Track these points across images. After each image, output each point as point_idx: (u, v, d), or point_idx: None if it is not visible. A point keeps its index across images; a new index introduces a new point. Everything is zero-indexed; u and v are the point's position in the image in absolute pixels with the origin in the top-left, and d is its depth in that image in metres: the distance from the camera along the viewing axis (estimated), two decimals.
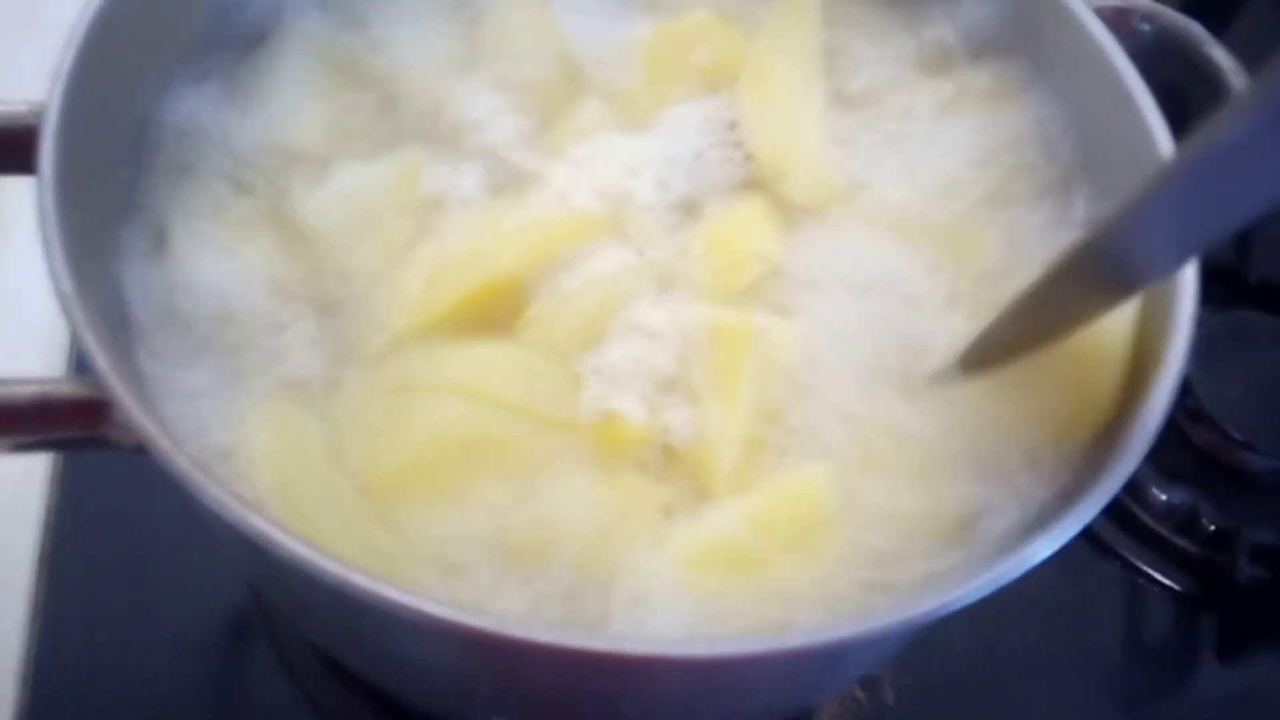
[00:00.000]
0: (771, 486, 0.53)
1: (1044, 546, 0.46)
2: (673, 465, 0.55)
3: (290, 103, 0.63)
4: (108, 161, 0.57)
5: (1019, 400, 0.55)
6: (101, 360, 0.44)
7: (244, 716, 0.73)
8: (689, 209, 0.63)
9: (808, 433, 0.55)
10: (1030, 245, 0.62)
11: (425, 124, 0.64)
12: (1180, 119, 0.63)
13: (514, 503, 0.52)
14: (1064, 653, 0.80)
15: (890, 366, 0.57)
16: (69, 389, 0.49)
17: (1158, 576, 0.84)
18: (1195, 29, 0.67)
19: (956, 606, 0.43)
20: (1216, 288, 0.92)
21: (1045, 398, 0.55)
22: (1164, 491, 0.84)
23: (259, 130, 0.62)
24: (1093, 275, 0.49)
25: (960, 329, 0.58)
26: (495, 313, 0.58)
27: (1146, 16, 0.69)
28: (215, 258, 0.58)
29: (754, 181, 0.64)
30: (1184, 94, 0.69)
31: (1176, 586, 0.83)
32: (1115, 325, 0.55)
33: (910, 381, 0.56)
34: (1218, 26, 0.72)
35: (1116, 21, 0.66)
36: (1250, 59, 0.68)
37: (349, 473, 0.52)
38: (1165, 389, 0.51)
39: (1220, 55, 0.66)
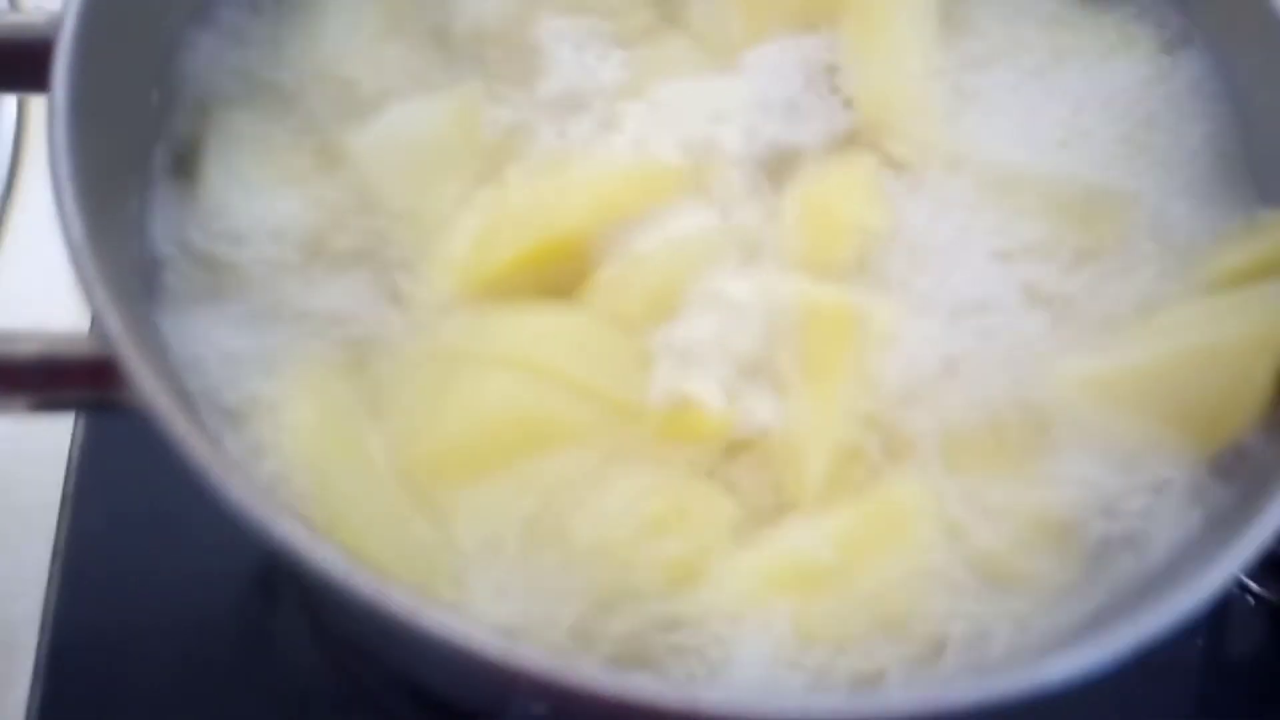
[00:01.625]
0: (864, 502, 0.47)
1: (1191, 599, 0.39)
2: (752, 466, 0.48)
3: (342, 25, 0.57)
4: (133, 85, 0.51)
5: (1152, 403, 0.48)
6: (112, 321, 0.39)
7: (269, 675, 0.69)
8: (781, 163, 0.56)
9: (910, 438, 0.48)
10: (1166, 221, 0.55)
11: (491, 55, 0.58)
12: None
13: (567, 501, 0.46)
14: (1137, 669, 0.74)
15: (1008, 361, 0.50)
16: (77, 347, 0.44)
17: (1254, 587, 0.77)
18: None
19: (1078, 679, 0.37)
20: None
21: (1191, 398, 0.48)
22: None
23: (307, 54, 0.56)
24: None
25: (1086, 313, 0.51)
26: (558, 274, 0.51)
27: None
28: (252, 198, 0.52)
29: (854, 134, 0.57)
30: None
31: (1272, 598, 0.77)
32: (1268, 324, 0.48)
33: (1035, 377, 0.49)
34: None
35: None
36: None
37: (388, 449, 0.47)
38: None
39: None
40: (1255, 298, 0.49)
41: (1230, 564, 0.42)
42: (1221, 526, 0.45)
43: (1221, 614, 0.76)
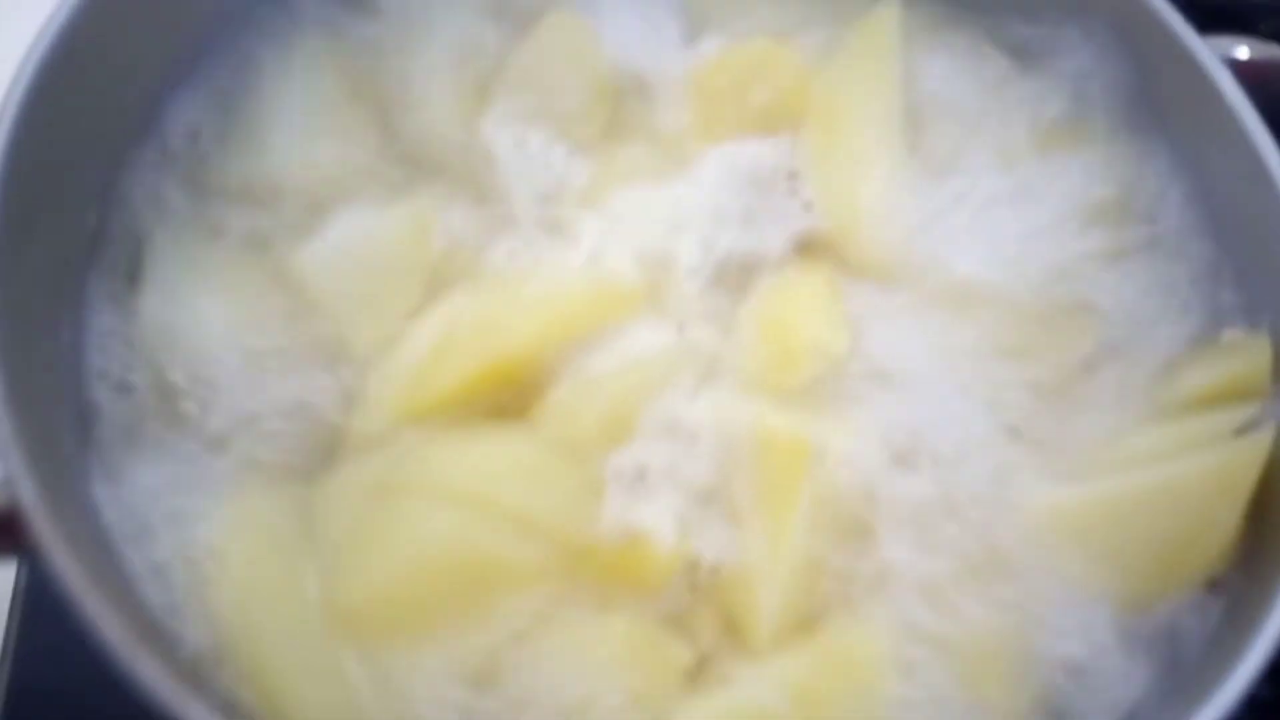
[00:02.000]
0: (819, 647, 0.45)
1: None
2: (705, 605, 0.47)
3: (288, 132, 0.55)
4: (69, 206, 0.50)
5: (1115, 541, 0.47)
6: (27, 489, 0.38)
7: None
8: (740, 273, 0.54)
9: (871, 577, 0.46)
10: (1135, 331, 0.54)
11: (442, 163, 0.56)
12: None
13: (509, 651, 0.44)
14: None
15: (976, 489, 0.48)
16: None
17: None
18: None
19: None
20: None
21: (1154, 539, 0.47)
22: None
23: (251, 164, 0.55)
24: None
25: (1051, 441, 0.50)
26: (507, 397, 0.50)
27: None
28: (190, 318, 0.50)
29: (816, 244, 0.55)
30: None
31: None
32: (1233, 467, 0.47)
33: (999, 510, 0.47)
34: None
35: (1253, 76, 0.57)
36: None
37: (323, 594, 0.45)
38: None
39: None
40: (1221, 432, 0.48)
41: None
42: (1186, 675, 0.44)
43: None
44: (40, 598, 0.61)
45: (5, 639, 0.59)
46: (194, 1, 0.56)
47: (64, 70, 0.48)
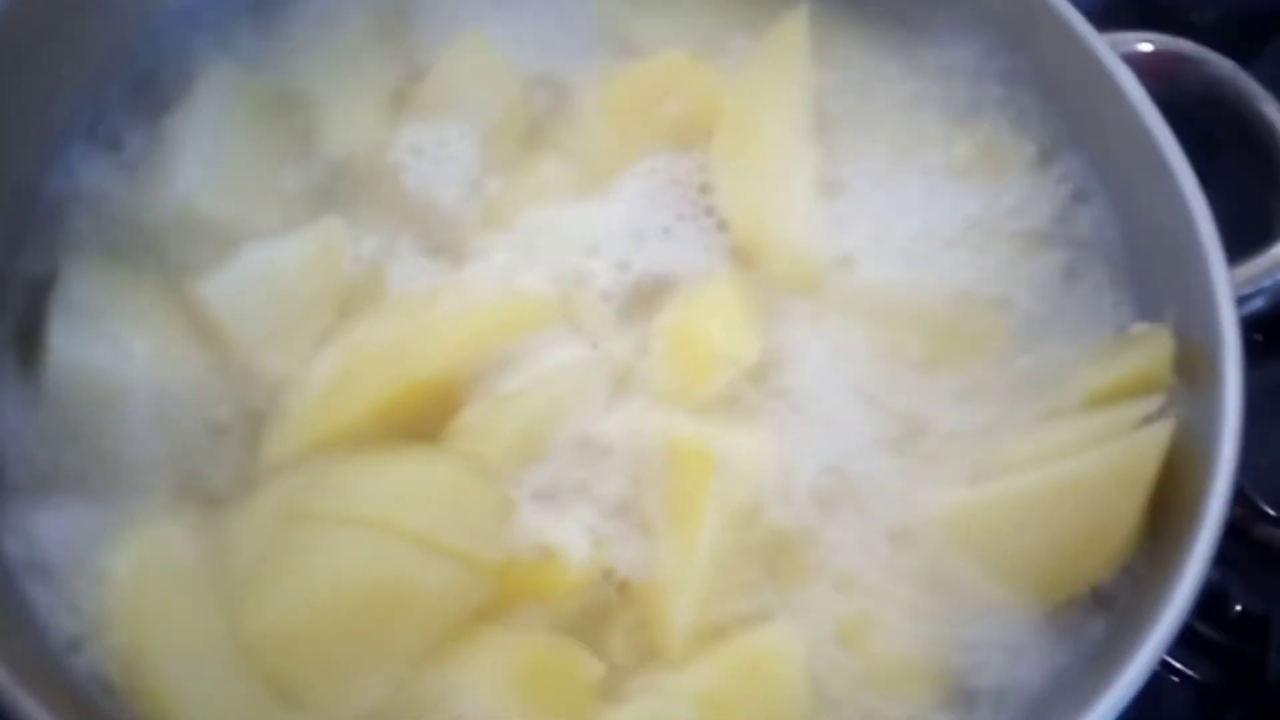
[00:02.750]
0: (729, 653, 0.45)
1: None
2: (618, 617, 0.47)
3: (198, 161, 0.55)
4: None
5: (1027, 537, 0.47)
6: None
7: None
8: (655, 289, 0.54)
9: (780, 584, 0.47)
10: (1043, 330, 0.54)
11: (353, 186, 0.56)
12: (1224, 180, 0.55)
13: (419, 677, 0.44)
14: None
15: (883, 493, 0.48)
16: None
17: (1178, 665, 0.76)
18: (1243, 80, 0.58)
19: None
20: (1254, 335, 0.84)
21: (1057, 536, 0.47)
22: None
23: (160, 195, 0.54)
24: None
25: (958, 440, 0.50)
26: (421, 417, 0.50)
27: (1187, 61, 0.60)
28: (97, 350, 0.50)
29: (730, 255, 0.56)
30: (1228, 150, 0.60)
31: (1198, 677, 0.76)
32: (1135, 459, 0.48)
33: (906, 514, 0.48)
34: (1245, 61, 0.63)
35: (1150, 66, 0.57)
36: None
37: (233, 623, 0.44)
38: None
39: (1273, 112, 0.57)
40: (1123, 426, 0.48)
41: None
42: (1089, 668, 0.44)
43: (1150, 694, 0.76)
44: None
45: None
46: (100, 35, 0.56)
47: None
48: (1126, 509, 0.47)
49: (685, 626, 0.46)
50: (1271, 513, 0.76)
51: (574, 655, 0.46)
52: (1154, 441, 0.47)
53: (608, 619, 0.47)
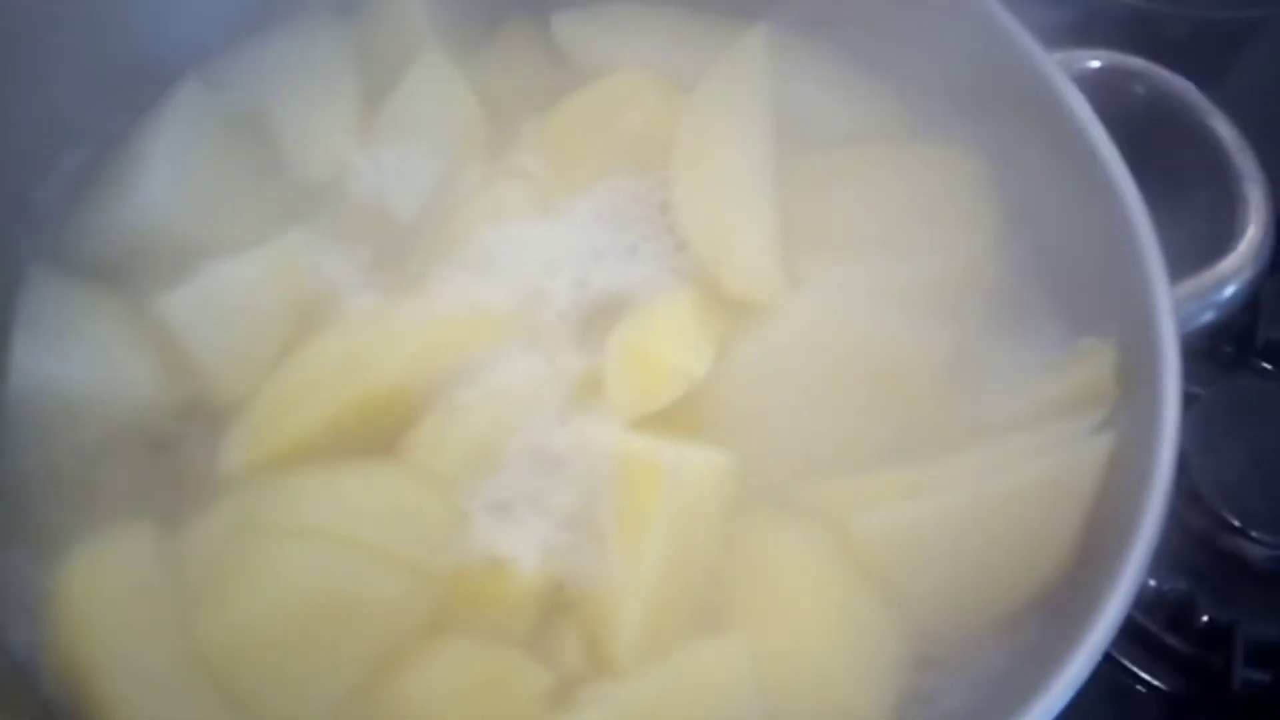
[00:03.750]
0: (677, 665, 0.46)
1: None
2: (569, 627, 0.48)
3: (164, 177, 0.56)
4: None
5: (969, 551, 0.48)
6: None
7: None
8: (612, 306, 0.55)
9: (729, 591, 0.48)
10: (988, 346, 0.55)
11: (315, 204, 0.57)
12: (1176, 196, 0.56)
13: (370, 688, 0.45)
14: None
15: (828, 509, 0.49)
16: None
17: (1144, 676, 0.77)
18: (1193, 95, 0.59)
19: None
20: (1224, 346, 0.85)
21: (1001, 546, 0.48)
22: (1154, 577, 0.77)
23: (125, 211, 0.55)
24: None
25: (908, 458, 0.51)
26: (376, 430, 0.51)
27: (1137, 77, 0.61)
28: (59, 362, 0.51)
29: (688, 274, 0.56)
30: (1178, 165, 0.61)
31: (1165, 687, 0.76)
32: (1078, 470, 0.49)
33: (849, 529, 0.49)
34: (1209, 80, 0.64)
35: (1102, 83, 0.58)
36: (1245, 118, 0.61)
37: (185, 634, 0.45)
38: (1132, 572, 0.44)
39: (1222, 128, 0.58)
40: (1066, 440, 0.49)
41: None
42: (1030, 672, 0.45)
43: (1117, 703, 0.77)
44: None
45: None
46: (70, 48, 0.57)
47: None
48: (1069, 518, 0.48)
49: (633, 638, 0.46)
50: (1236, 524, 0.77)
51: (523, 666, 0.46)
52: (1095, 453, 0.48)
53: (558, 630, 0.48)
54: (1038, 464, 0.48)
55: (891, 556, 0.48)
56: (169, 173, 0.56)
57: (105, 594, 0.46)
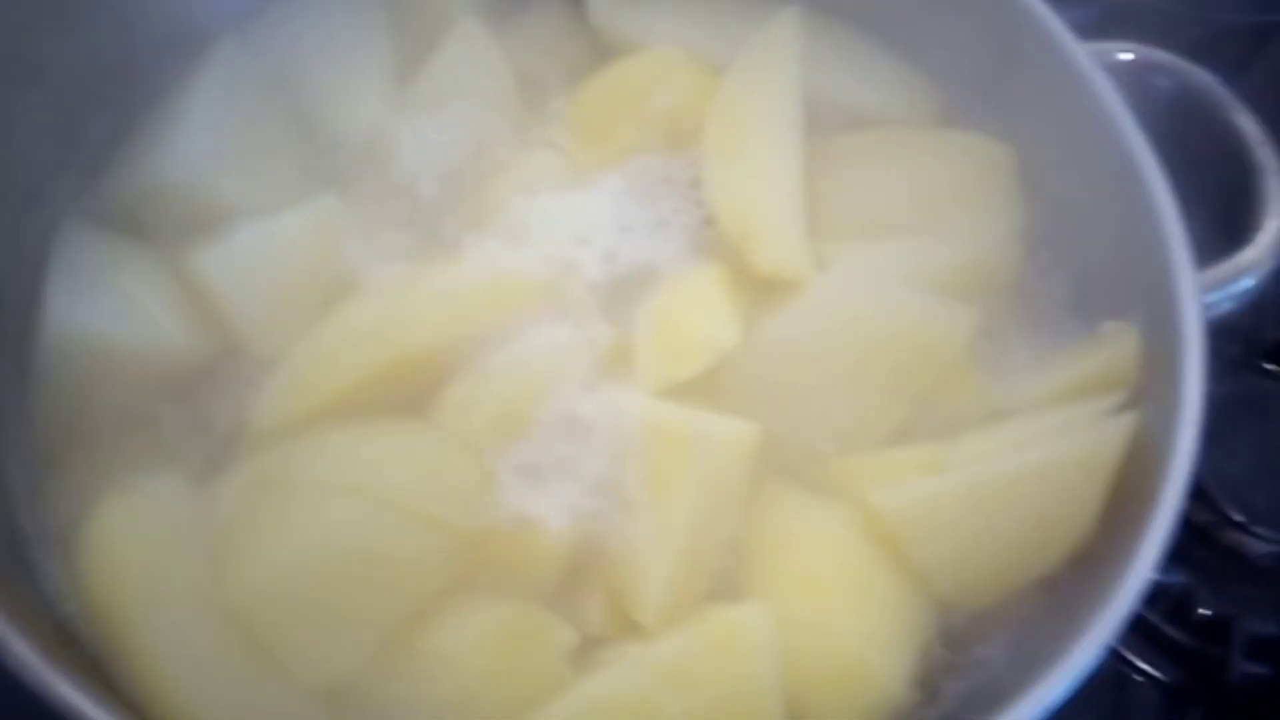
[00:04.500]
0: (700, 627, 0.46)
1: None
2: (594, 588, 0.48)
3: (198, 137, 0.56)
4: None
5: (989, 526, 0.49)
6: None
7: None
8: (641, 278, 0.56)
9: (749, 560, 0.48)
10: (1014, 329, 0.56)
11: (350, 169, 0.58)
12: (1199, 187, 0.57)
13: (397, 640, 0.45)
14: None
15: (850, 486, 0.50)
16: None
17: (1144, 666, 0.78)
18: (1219, 91, 0.60)
19: None
20: (1228, 347, 0.86)
21: (1022, 521, 0.49)
22: (1155, 570, 0.78)
23: (159, 169, 0.56)
24: None
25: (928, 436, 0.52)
26: (407, 392, 0.51)
27: (1162, 71, 0.62)
28: (93, 315, 0.51)
29: (716, 248, 0.57)
30: (1199, 158, 0.62)
31: (1165, 678, 0.77)
32: (1099, 447, 0.49)
33: (871, 503, 0.49)
34: (1230, 78, 0.65)
35: (1127, 76, 0.59)
36: (1267, 113, 0.62)
37: (216, 584, 0.46)
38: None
39: (1246, 123, 0.59)
40: (1089, 415, 0.50)
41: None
42: (1045, 649, 0.46)
43: (1117, 693, 0.78)
44: None
45: None
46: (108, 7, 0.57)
47: None
48: (1089, 494, 0.48)
49: (657, 601, 0.47)
50: (1238, 519, 0.78)
51: (549, 623, 0.47)
52: (1118, 431, 0.49)
53: (582, 592, 0.49)
54: (1059, 442, 0.49)
55: (912, 530, 0.49)
56: (204, 133, 0.57)
57: (136, 542, 0.46)
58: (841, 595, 0.48)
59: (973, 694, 0.48)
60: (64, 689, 0.36)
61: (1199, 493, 0.78)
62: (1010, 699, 0.44)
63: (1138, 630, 0.79)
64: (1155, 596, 0.78)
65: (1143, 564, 0.45)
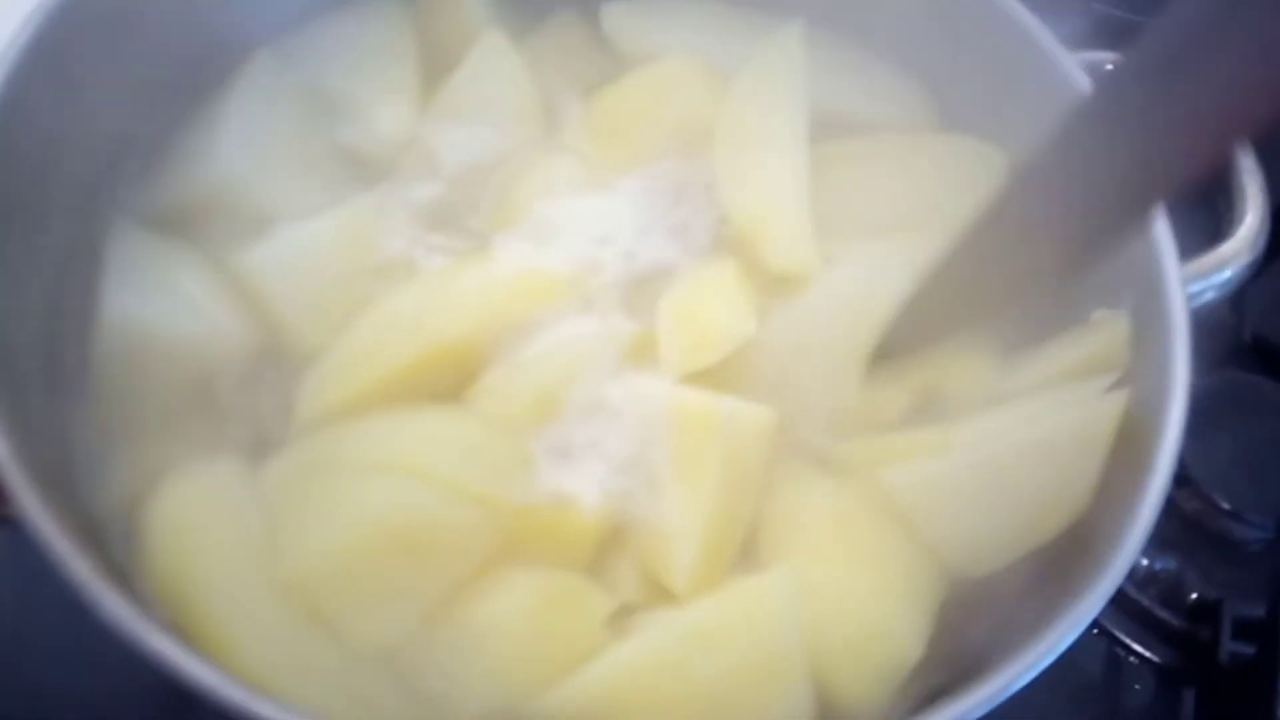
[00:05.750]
0: (728, 594, 0.49)
1: (1019, 675, 0.43)
2: (626, 560, 0.51)
3: (238, 143, 0.59)
4: (35, 208, 0.53)
5: (994, 500, 0.52)
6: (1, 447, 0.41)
7: None
8: (659, 275, 0.59)
9: (767, 535, 0.51)
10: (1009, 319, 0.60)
11: (382, 173, 0.61)
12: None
13: (445, 608, 0.48)
14: None
15: (860, 466, 0.53)
16: None
17: (1137, 648, 0.81)
18: None
19: None
20: (1210, 343, 0.89)
21: (1021, 490, 0.52)
22: (1146, 556, 0.81)
23: (201, 174, 0.59)
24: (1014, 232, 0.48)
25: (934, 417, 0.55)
26: (444, 380, 0.54)
27: None
28: (147, 308, 0.54)
29: (729, 246, 0.60)
30: None
31: (1157, 659, 0.80)
32: (1095, 423, 0.52)
33: (881, 481, 0.53)
34: None
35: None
36: None
37: (273, 558, 0.48)
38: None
39: None
40: (1084, 395, 0.53)
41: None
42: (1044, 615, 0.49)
43: (1111, 674, 0.81)
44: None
45: None
46: (153, 30, 0.60)
47: (29, 84, 0.52)
48: (1088, 467, 0.51)
49: (688, 571, 0.50)
50: (1226, 507, 0.82)
51: (587, 590, 0.50)
52: (1112, 407, 0.52)
53: (614, 563, 0.52)
54: (1057, 420, 0.52)
55: (921, 505, 0.52)
56: (243, 140, 0.59)
57: (197, 523, 0.49)
58: (856, 563, 0.51)
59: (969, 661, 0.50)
60: (158, 641, 0.39)
61: (1188, 482, 0.81)
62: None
63: (1131, 614, 0.82)
64: (1147, 581, 0.82)
65: (1141, 526, 0.48)
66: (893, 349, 0.55)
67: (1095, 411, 0.52)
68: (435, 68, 0.64)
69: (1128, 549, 0.48)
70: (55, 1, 0.52)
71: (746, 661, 0.47)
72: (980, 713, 0.44)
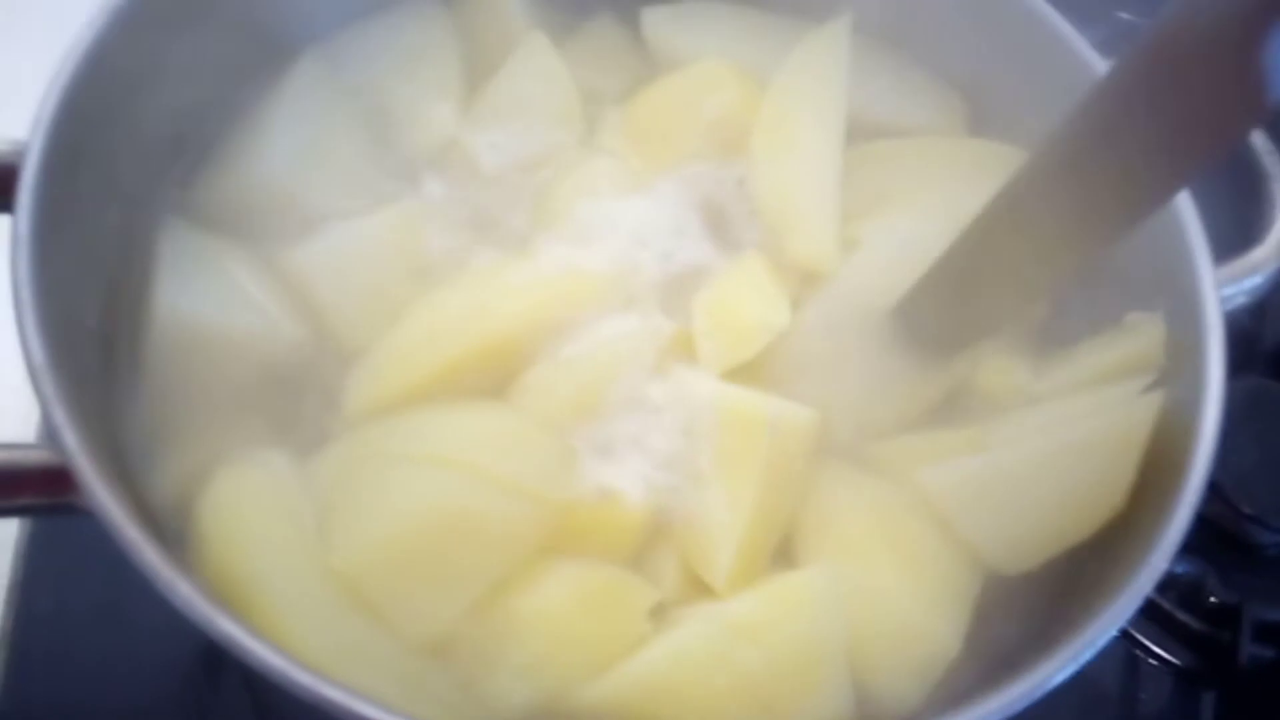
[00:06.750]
0: (770, 589, 0.50)
1: (1055, 672, 0.44)
2: (669, 554, 0.52)
3: (289, 142, 0.60)
4: (93, 206, 0.54)
5: (1031, 500, 0.53)
6: (70, 438, 0.42)
7: None
8: (696, 275, 0.60)
9: (805, 533, 0.52)
10: (1045, 322, 0.60)
11: (426, 173, 0.62)
12: (1211, 191, 0.61)
13: (492, 599, 0.49)
14: None
15: (897, 465, 0.54)
16: (36, 456, 0.46)
17: (1157, 650, 0.81)
18: None
19: None
20: (1231, 349, 0.90)
21: (1057, 490, 0.53)
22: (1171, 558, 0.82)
23: (250, 174, 0.60)
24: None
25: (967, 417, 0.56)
26: (490, 377, 0.55)
27: None
28: (200, 303, 0.55)
29: (762, 245, 0.61)
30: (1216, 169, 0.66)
31: (1177, 661, 0.81)
32: (1131, 423, 0.53)
33: (918, 481, 0.54)
34: None
35: None
36: (1274, 125, 0.66)
37: (325, 549, 0.49)
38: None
39: (1254, 134, 0.64)
40: (1120, 395, 0.54)
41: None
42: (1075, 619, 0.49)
43: (1131, 676, 0.81)
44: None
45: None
46: (203, 34, 0.60)
47: (91, 84, 0.53)
48: (1124, 467, 0.52)
49: (729, 567, 0.51)
50: (1248, 511, 0.82)
51: (631, 582, 0.51)
52: (1148, 407, 0.53)
53: (657, 558, 0.52)
54: (1093, 420, 0.53)
55: (958, 503, 0.53)
56: (290, 140, 0.61)
57: (249, 514, 0.50)
58: (895, 561, 0.52)
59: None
60: (225, 624, 0.40)
61: (1210, 486, 0.82)
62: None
63: (1152, 617, 0.83)
64: (1168, 585, 0.82)
65: (1176, 528, 0.49)
66: (924, 346, 0.56)
67: (1131, 413, 0.53)
68: (477, 70, 0.65)
69: (1162, 550, 0.49)
70: (117, 1, 0.53)
71: (788, 655, 0.48)
72: (1012, 711, 0.45)
